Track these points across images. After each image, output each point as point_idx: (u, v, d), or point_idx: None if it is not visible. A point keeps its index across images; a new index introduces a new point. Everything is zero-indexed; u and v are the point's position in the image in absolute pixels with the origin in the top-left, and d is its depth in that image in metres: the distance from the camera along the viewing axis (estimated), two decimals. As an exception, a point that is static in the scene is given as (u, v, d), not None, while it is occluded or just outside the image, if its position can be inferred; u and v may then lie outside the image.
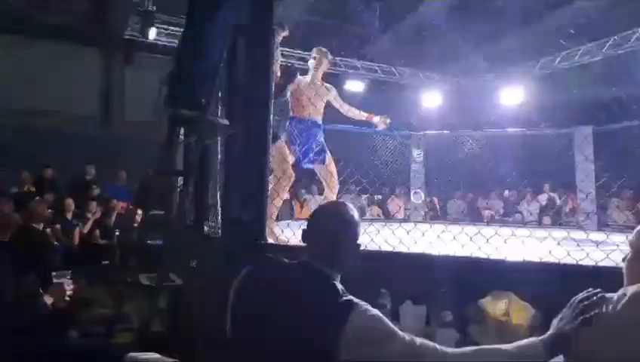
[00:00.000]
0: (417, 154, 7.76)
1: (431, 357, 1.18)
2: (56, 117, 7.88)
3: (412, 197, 7.67)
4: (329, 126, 4.70)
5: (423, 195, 7.83)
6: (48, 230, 4.54)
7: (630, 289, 1.11)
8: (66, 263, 4.29)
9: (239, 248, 2.39)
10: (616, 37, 6.99)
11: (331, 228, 1.36)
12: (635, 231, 1.27)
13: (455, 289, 2.03)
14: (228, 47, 2.56)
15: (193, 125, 2.41)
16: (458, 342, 1.93)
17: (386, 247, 2.63)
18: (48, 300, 2.06)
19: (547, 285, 1.93)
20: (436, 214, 8.45)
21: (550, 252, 2.46)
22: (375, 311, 1.23)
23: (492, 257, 2.32)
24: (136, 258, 3.24)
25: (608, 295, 1.14)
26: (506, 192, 8.97)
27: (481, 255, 2.35)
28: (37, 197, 2.76)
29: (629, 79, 5.40)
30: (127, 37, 7.97)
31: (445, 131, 8.41)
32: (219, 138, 2.72)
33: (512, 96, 8.28)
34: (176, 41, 5.12)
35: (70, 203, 5.91)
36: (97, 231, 6.03)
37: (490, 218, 8.17)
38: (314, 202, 8.29)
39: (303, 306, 1.25)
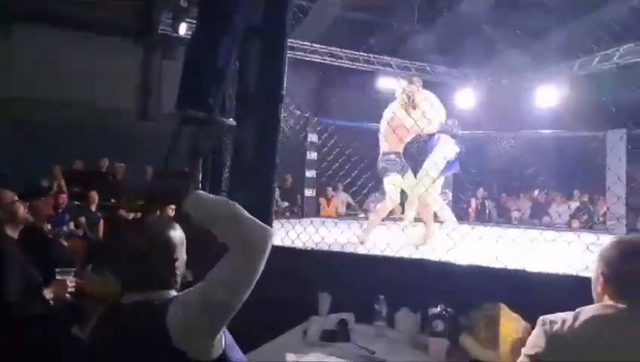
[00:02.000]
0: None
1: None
2: (90, 110, 8.14)
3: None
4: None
5: (450, 195, 7.73)
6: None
7: (584, 311, 1.20)
8: (91, 256, 4.40)
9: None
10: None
11: None
12: (597, 255, 1.31)
13: (451, 298, 2.02)
14: (239, 47, 2.60)
15: (201, 126, 2.46)
16: (449, 350, 1.92)
17: (387, 252, 2.63)
18: (49, 295, 2.16)
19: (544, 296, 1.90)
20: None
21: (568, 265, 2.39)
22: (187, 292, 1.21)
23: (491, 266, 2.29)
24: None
25: (564, 314, 1.21)
26: (536, 193, 8.71)
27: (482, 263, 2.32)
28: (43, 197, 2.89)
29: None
30: (161, 32, 8.18)
31: (477, 131, 8.24)
32: (226, 140, 2.77)
33: (548, 96, 8.00)
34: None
35: (94, 195, 6.10)
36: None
37: (519, 219, 7.97)
38: (339, 199, 8.35)
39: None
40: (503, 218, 8.34)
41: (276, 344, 2.02)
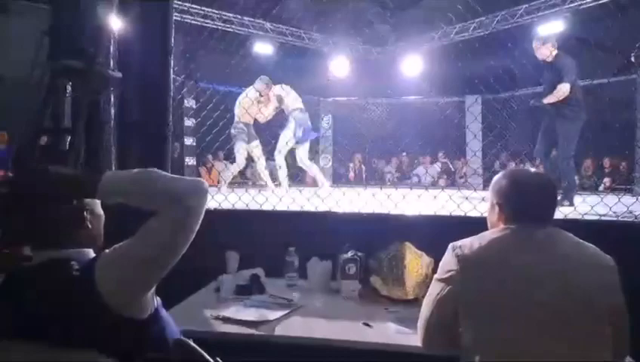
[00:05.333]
0: (326, 120, 7.90)
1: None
2: None
3: (320, 162, 7.82)
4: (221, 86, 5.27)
5: (330, 159, 8.03)
6: None
7: (486, 235, 1.35)
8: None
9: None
10: (503, 13, 7.58)
11: None
12: (490, 186, 1.46)
13: (358, 244, 2.12)
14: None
15: (81, 77, 2.17)
16: (361, 291, 2.03)
17: (293, 207, 2.66)
18: None
19: (440, 234, 2.08)
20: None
21: (443, 206, 2.66)
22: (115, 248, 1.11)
23: (392, 212, 2.46)
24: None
25: (470, 238, 1.35)
26: (403, 155, 9.50)
27: (383, 210, 2.48)
28: None
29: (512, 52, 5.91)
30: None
31: (352, 98, 8.61)
32: (111, 92, 2.49)
33: (413, 66, 8.64)
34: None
35: None
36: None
37: (391, 180, 8.64)
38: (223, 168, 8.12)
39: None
40: (376, 181, 8.94)
41: (190, 302, 1.94)
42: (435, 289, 1.36)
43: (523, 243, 1.30)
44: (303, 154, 5.21)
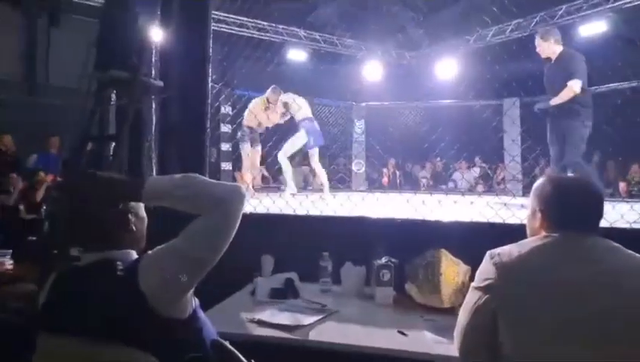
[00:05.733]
0: (359, 125, 7.89)
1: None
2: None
3: (353, 167, 7.81)
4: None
5: (363, 164, 8.01)
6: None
7: (526, 243, 1.30)
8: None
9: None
10: (542, 14, 7.38)
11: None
12: (531, 192, 1.41)
13: (392, 250, 2.11)
14: (160, 4, 2.43)
15: (125, 87, 2.27)
16: (395, 298, 2.02)
17: (327, 212, 2.67)
18: None
19: (477, 242, 2.05)
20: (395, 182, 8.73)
21: (480, 213, 2.61)
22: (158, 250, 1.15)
23: (427, 218, 2.43)
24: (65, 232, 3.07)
25: (508, 246, 1.31)
26: (439, 161, 9.35)
27: (418, 217, 2.46)
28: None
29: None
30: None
31: (385, 103, 8.56)
32: (153, 100, 2.59)
33: (447, 69, 8.52)
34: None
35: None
36: (22, 206, 5.64)
37: (426, 185, 8.52)
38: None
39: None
40: (412, 185, 8.84)
41: (226, 304, 1.98)
42: (472, 298, 1.33)
43: (567, 252, 1.26)
44: (314, 159, 5.56)
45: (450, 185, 8.60)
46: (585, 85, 3.61)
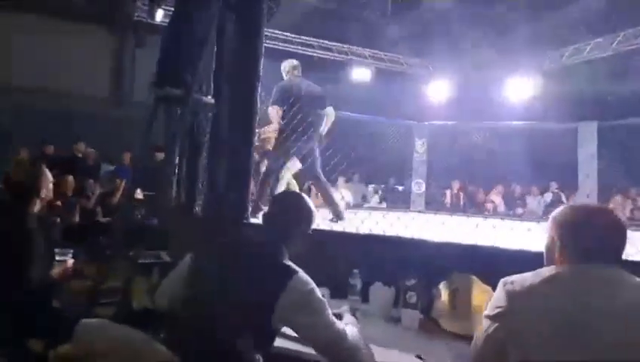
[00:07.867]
0: (420, 144, 7.77)
1: (346, 343, 1.38)
2: (66, 98, 8.02)
3: (413, 187, 7.68)
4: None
5: (424, 185, 7.85)
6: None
7: (542, 272, 1.25)
8: (66, 239, 4.38)
9: (221, 226, 2.45)
10: (625, 33, 6.88)
11: (285, 214, 1.61)
12: (550, 219, 1.36)
13: (423, 272, 2.07)
14: (216, 23, 2.60)
15: (179, 104, 2.45)
16: (422, 322, 1.98)
17: (362, 230, 2.67)
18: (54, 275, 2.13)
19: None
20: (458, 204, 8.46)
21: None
22: (311, 283, 1.35)
23: (464, 242, 2.35)
24: (133, 236, 3.32)
25: (523, 275, 1.26)
26: (512, 185, 8.91)
27: (455, 240, 2.39)
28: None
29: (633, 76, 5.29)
30: (137, 19, 8.05)
31: (449, 122, 8.35)
32: (204, 116, 2.76)
33: (519, 89, 8.18)
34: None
35: (71, 180, 5.96)
36: (99, 209, 6.17)
37: (493, 211, 8.14)
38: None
39: (251, 273, 1.38)
40: (475, 209, 8.48)
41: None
42: (484, 326, 1.30)
43: (581, 284, 1.19)
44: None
45: (519, 210, 8.16)
46: None
